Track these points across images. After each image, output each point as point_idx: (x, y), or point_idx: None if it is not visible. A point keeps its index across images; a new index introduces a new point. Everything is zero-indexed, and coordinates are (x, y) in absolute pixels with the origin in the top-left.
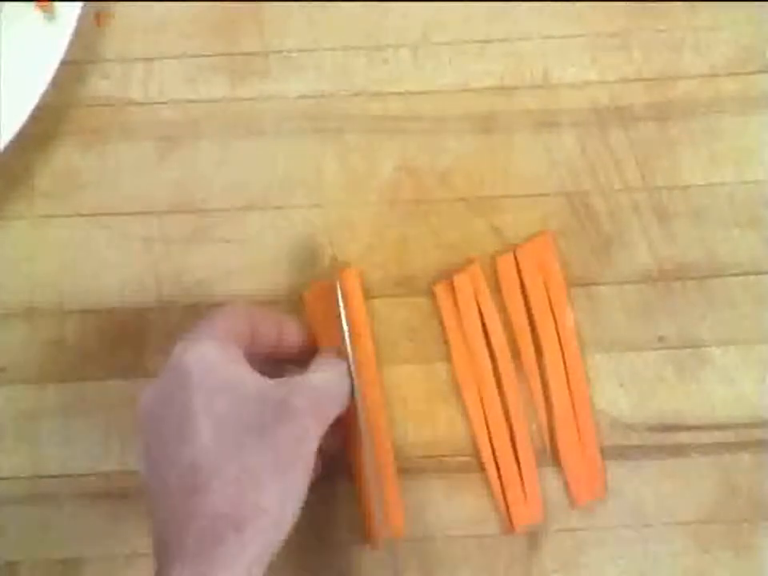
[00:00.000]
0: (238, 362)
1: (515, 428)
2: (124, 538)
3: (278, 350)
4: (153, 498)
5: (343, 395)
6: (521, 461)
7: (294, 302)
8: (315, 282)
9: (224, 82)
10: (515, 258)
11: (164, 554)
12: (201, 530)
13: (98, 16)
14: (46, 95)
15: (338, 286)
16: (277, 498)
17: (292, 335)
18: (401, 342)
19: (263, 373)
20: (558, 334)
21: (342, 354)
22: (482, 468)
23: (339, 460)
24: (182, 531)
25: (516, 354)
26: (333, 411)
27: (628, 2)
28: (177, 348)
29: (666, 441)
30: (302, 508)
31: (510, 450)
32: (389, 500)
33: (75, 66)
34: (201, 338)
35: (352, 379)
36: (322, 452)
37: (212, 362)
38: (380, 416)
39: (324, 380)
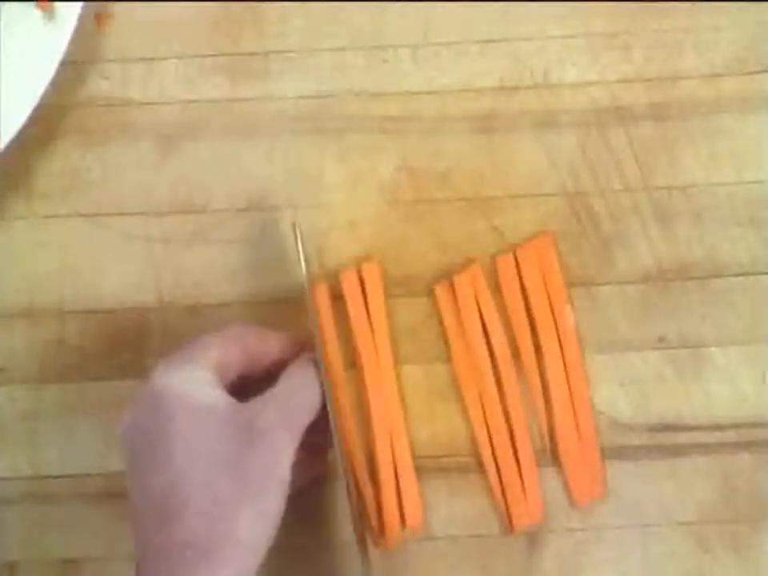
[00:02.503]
0: (213, 387)
1: (515, 428)
2: (124, 537)
3: (278, 368)
4: (133, 519)
5: (313, 400)
6: (521, 461)
7: (293, 303)
8: (317, 281)
9: (224, 82)
10: (515, 258)
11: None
12: (171, 558)
13: (98, 16)
14: (45, 95)
15: (307, 288)
16: (248, 526)
17: (292, 354)
18: (401, 341)
19: (262, 391)
20: (557, 334)
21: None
22: (481, 468)
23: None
24: (153, 558)
25: (516, 353)
26: (304, 418)
27: (628, 2)
28: (154, 372)
29: (665, 441)
30: (303, 508)
31: (510, 450)
32: (407, 499)
33: (75, 66)
34: (177, 362)
35: (322, 383)
36: (318, 450)
37: (186, 388)
38: (398, 412)
39: (290, 389)
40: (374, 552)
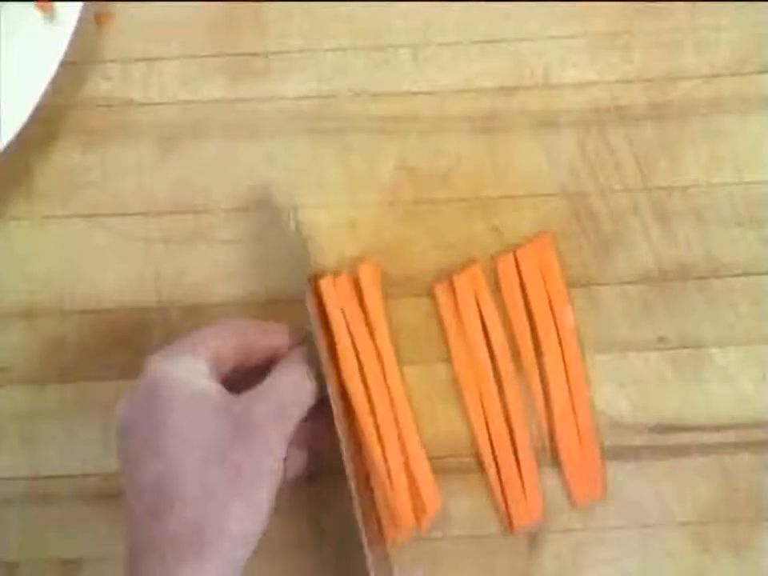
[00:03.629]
0: (208, 379)
1: (515, 428)
2: (124, 538)
3: (274, 360)
4: (126, 511)
5: (304, 396)
6: (521, 461)
7: (293, 303)
8: (323, 277)
9: (224, 82)
10: (515, 259)
11: (130, 569)
12: (162, 550)
13: (98, 16)
14: (45, 95)
15: (308, 287)
16: (239, 518)
17: (288, 347)
18: (401, 341)
19: (255, 381)
20: (558, 334)
21: (312, 355)
22: (481, 468)
23: (326, 456)
24: (144, 549)
25: (516, 354)
26: (295, 414)
27: (628, 2)
28: (150, 363)
29: (665, 441)
30: (302, 507)
31: (510, 450)
32: (424, 485)
33: (75, 66)
34: (174, 353)
35: (324, 382)
36: (306, 450)
37: (181, 378)
38: (406, 412)
39: (283, 384)
40: (378, 551)
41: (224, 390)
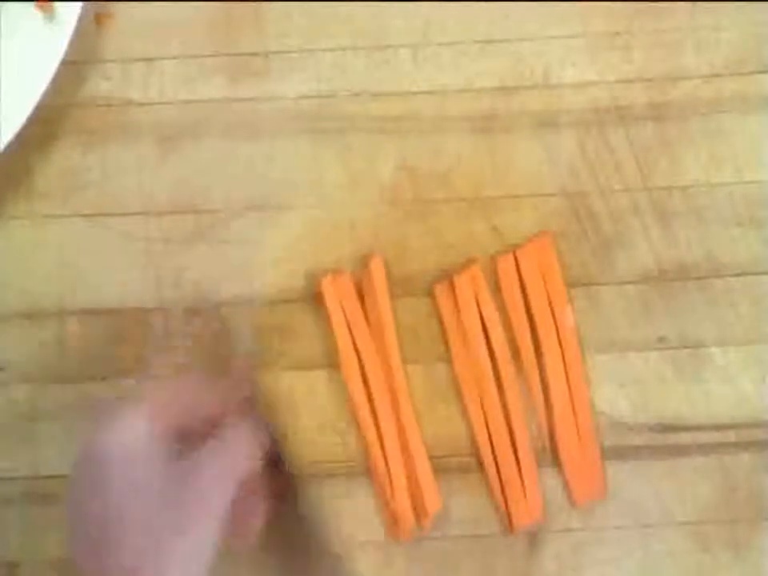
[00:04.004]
0: (147, 440)
1: (515, 428)
2: None
3: (224, 418)
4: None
5: (247, 454)
6: (521, 461)
7: (293, 303)
8: (335, 273)
9: (224, 82)
10: (515, 259)
11: None
12: None
13: (98, 16)
14: (45, 95)
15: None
16: (179, 560)
17: (237, 401)
18: (401, 341)
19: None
20: (557, 334)
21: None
22: (481, 468)
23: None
24: None
25: (516, 353)
26: (239, 476)
27: (628, 2)
28: (91, 428)
29: (665, 441)
30: (301, 506)
31: (510, 450)
32: (425, 486)
33: (75, 66)
34: (110, 421)
35: (276, 440)
36: (262, 500)
37: (119, 444)
38: (408, 411)
39: (226, 445)
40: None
41: (167, 451)
